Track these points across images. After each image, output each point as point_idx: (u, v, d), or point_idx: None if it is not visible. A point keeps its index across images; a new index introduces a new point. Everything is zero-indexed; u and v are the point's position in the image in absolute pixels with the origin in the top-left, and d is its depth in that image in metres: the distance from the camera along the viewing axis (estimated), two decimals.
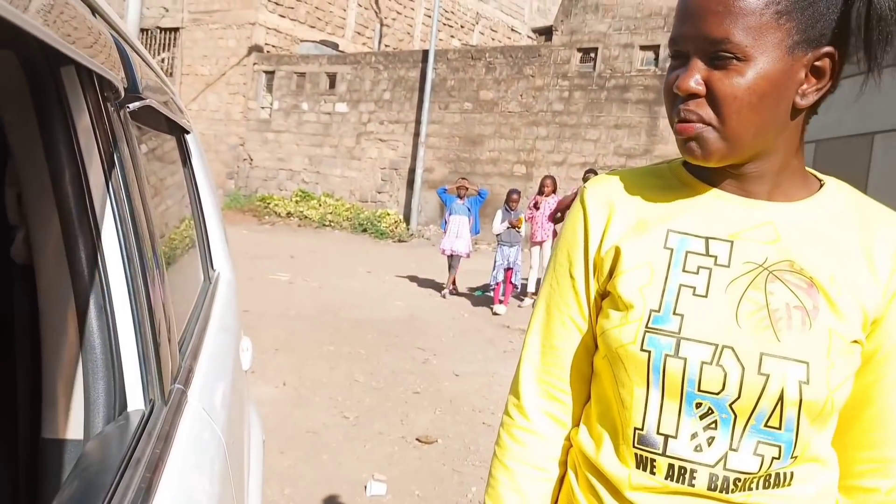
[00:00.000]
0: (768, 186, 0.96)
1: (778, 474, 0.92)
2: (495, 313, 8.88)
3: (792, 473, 0.92)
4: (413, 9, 23.86)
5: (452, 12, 24.62)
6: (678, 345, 0.92)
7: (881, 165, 4.93)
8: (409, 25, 23.86)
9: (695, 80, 0.89)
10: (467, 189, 10.08)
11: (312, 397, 5.16)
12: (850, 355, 0.90)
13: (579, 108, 15.24)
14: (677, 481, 0.92)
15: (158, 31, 21.13)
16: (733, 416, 0.90)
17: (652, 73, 14.38)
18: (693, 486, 0.92)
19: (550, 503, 1.08)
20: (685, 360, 0.91)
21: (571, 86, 15.36)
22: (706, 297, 0.93)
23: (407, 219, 17.47)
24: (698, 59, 0.89)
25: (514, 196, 9.38)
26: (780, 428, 0.90)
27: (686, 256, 0.96)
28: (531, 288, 9.70)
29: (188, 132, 2.15)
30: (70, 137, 0.95)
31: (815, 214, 0.96)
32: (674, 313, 0.93)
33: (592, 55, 15.13)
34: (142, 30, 12.71)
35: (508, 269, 9.14)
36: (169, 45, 21.20)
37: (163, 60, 20.89)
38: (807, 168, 1.00)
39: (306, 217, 17.77)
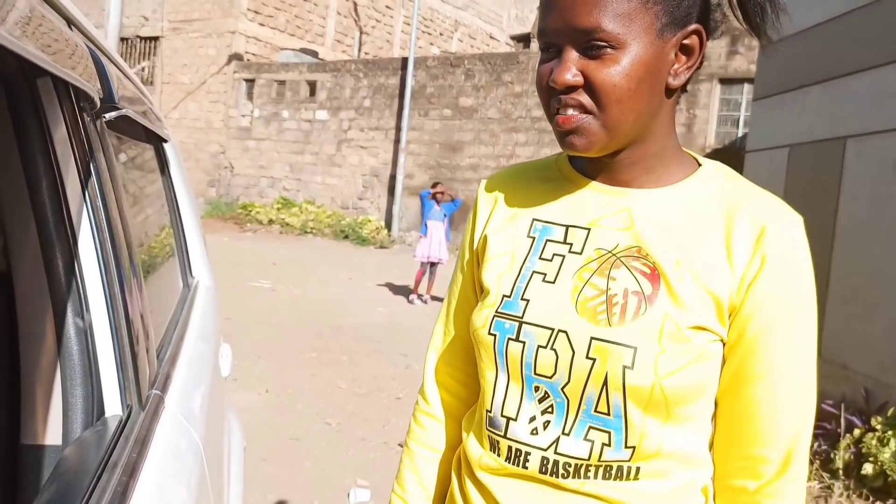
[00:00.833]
0: (640, 173, 0.95)
1: (620, 467, 0.90)
2: None
3: (638, 468, 0.90)
4: (392, 17, 23.91)
5: (431, 20, 24.69)
6: (519, 329, 0.93)
7: (853, 169, 4.99)
8: (389, 33, 23.90)
9: (571, 73, 0.87)
10: (443, 194, 10.20)
11: (294, 404, 5.16)
12: (685, 342, 0.87)
13: None
14: (514, 463, 0.94)
15: (138, 39, 21.04)
16: (566, 401, 0.91)
17: None
18: (526, 468, 0.93)
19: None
20: (524, 343, 0.93)
21: None
22: (554, 283, 0.94)
23: (388, 225, 17.47)
24: (572, 50, 0.87)
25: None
26: (608, 413, 0.89)
27: (545, 244, 0.97)
28: None
29: (166, 141, 2.16)
30: (47, 147, 0.96)
31: (678, 200, 0.94)
32: (521, 298, 0.95)
33: None
34: (122, 39, 12.63)
35: None
36: (149, 53, 21.11)
37: (143, 69, 20.80)
38: (688, 151, 0.99)
39: (288, 224, 17.72)
